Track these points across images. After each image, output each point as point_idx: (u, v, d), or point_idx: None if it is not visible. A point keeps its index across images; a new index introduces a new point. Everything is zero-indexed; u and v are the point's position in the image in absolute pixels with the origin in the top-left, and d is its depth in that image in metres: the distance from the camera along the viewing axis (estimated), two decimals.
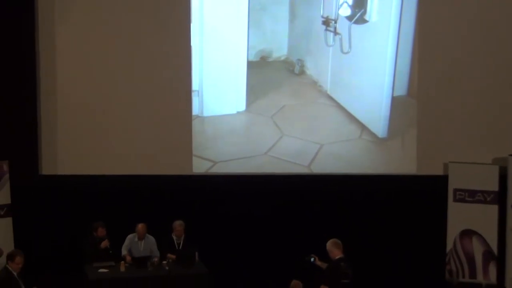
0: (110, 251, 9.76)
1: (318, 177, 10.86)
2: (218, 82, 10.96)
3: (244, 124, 11.01)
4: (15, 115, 10.45)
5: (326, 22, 10.86)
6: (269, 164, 10.88)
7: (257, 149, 10.93)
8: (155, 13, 10.67)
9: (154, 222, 10.07)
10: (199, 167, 10.85)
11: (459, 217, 10.43)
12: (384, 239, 10.76)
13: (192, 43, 10.73)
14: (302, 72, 11.14)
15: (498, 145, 10.67)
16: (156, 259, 9.62)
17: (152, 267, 9.48)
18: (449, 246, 10.51)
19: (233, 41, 10.90)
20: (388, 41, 10.49)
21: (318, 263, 8.60)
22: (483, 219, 10.35)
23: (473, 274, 10.44)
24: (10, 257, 8.18)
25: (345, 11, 10.72)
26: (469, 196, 10.43)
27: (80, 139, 10.69)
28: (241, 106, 11.03)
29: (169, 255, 9.79)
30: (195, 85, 10.84)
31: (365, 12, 10.67)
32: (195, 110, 10.88)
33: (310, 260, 8.61)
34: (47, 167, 10.76)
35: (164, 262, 9.60)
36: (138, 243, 9.95)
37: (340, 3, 10.72)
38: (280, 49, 11.25)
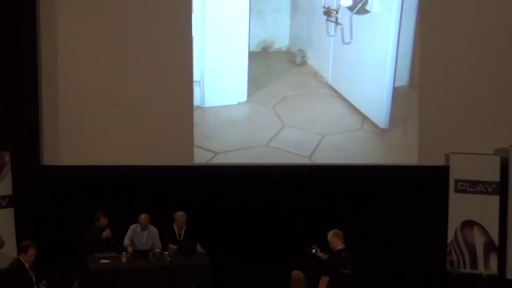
0: (112, 241, 9.77)
1: (319, 168, 10.87)
2: (220, 73, 10.95)
3: (245, 114, 11.00)
4: (16, 106, 10.46)
5: (328, 12, 10.84)
6: (270, 154, 10.88)
7: (258, 139, 10.94)
8: (156, 4, 10.66)
9: (155, 212, 10.07)
10: (200, 157, 10.86)
11: (460, 207, 10.43)
12: (385, 230, 10.77)
13: (193, 34, 10.72)
14: (303, 63, 11.13)
15: (499, 135, 10.66)
16: (158, 250, 9.63)
17: (154, 257, 9.49)
18: (450, 236, 10.50)
19: (235, 31, 10.88)
20: (389, 31, 10.47)
21: (319, 254, 8.61)
22: (484, 209, 10.35)
23: (474, 264, 10.45)
24: (23, 249, 8.11)
25: (347, 1, 10.71)
26: (470, 186, 10.42)
27: (81, 130, 10.70)
28: (243, 96, 11.02)
29: (170, 245, 9.79)
30: (196, 76, 10.84)
31: (366, 3, 10.64)
32: (196, 101, 10.88)
33: (312, 251, 8.63)
34: (49, 158, 10.78)
35: (166, 252, 9.61)
36: (141, 233, 9.95)
37: None
38: (281, 40, 11.24)
